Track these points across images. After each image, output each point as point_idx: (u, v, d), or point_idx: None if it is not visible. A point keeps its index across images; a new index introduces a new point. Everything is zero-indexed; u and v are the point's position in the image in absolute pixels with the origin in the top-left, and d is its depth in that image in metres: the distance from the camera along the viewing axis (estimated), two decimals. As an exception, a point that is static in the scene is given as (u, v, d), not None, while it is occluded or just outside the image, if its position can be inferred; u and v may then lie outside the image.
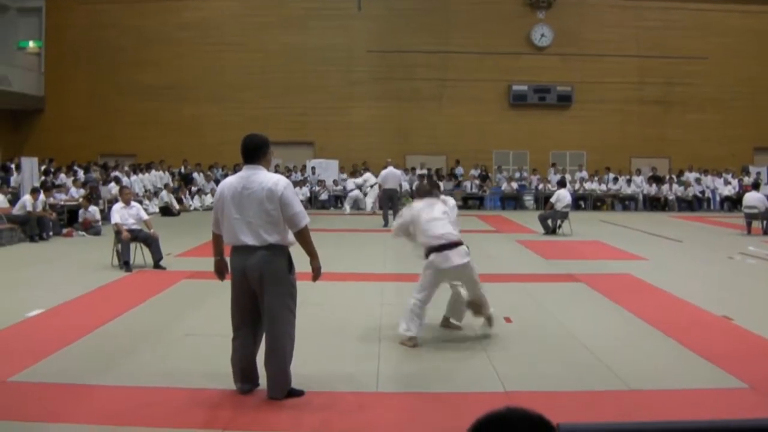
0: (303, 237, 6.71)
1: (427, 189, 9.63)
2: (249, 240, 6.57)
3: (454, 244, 8.72)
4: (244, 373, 6.85)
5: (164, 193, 28.55)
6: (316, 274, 6.92)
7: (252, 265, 6.57)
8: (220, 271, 7.06)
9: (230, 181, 6.88)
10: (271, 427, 6.16)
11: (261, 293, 6.61)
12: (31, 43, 35.53)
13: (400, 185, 26.01)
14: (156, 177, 30.61)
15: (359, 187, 30.97)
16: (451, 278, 9.01)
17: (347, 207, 30.52)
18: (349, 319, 10.07)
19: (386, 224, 23.19)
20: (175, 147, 33.44)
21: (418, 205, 9.15)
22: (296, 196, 6.78)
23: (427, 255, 8.75)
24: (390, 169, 24.48)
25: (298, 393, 6.77)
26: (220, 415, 6.31)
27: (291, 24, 34.90)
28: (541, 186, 33.23)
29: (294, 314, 6.78)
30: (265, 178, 6.63)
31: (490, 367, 7.77)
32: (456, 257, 8.67)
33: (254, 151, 6.77)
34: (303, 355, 8.24)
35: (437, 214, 8.91)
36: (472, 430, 1.85)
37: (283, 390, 6.69)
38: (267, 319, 6.67)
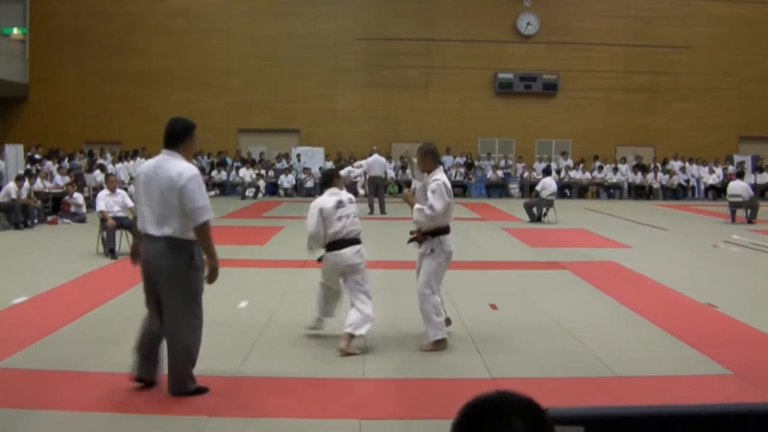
0: (201, 234, 6.26)
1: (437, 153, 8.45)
2: (151, 229, 6.29)
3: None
4: (143, 359, 6.50)
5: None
6: (211, 274, 6.38)
7: (151, 256, 6.31)
8: (133, 255, 6.77)
9: (146, 165, 6.68)
10: (259, 413, 6.16)
11: (159, 288, 6.33)
12: (15, 30, 35.24)
13: (386, 172, 26.02)
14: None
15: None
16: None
17: None
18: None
19: (371, 212, 23.19)
20: (161, 134, 33.06)
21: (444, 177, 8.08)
22: (201, 189, 6.36)
23: (432, 236, 7.99)
24: (375, 156, 24.48)
25: (202, 390, 6.44)
26: (207, 402, 6.32)
27: (278, 11, 34.72)
28: (526, 174, 33.28)
29: (193, 313, 6.39)
30: (173, 166, 6.33)
31: (476, 354, 7.79)
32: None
33: (173, 137, 6.55)
34: (291, 341, 8.29)
35: None
36: (462, 413, 1.86)
37: (181, 386, 6.36)
38: (165, 316, 6.36)
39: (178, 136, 6.54)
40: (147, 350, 6.48)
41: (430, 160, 8.16)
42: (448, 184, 7.99)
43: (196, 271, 6.33)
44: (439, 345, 7.93)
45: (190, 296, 6.33)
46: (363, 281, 8.09)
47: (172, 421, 5.98)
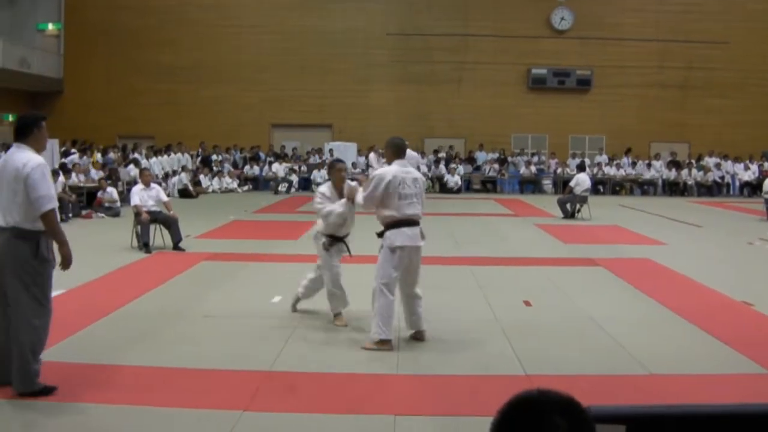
0: (46, 223, 6.25)
1: (403, 145, 8.44)
2: (0, 220, 6.32)
3: (414, 222, 7.97)
4: None
5: (183, 175, 28.61)
6: (64, 261, 6.40)
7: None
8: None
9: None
10: (293, 408, 6.16)
11: (4, 280, 6.27)
12: (50, 25, 35.57)
13: (418, 167, 25.92)
14: (174, 159, 30.66)
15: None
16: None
17: None
18: (367, 302, 10.06)
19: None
20: (194, 128, 33.42)
21: (392, 170, 7.98)
22: (45, 179, 6.29)
23: (384, 231, 7.94)
24: (408, 151, 24.40)
25: (48, 390, 6.31)
26: (240, 396, 6.34)
27: (309, 5, 34.82)
28: (559, 170, 33.13)
29: (40, 303, 6.33)
30: (19, 157, 6.31)
31: (510, 351, 7.76)
32: (415, 237, 7.91)
33: (20, 130, 6.48)
34: (325, 336, 8.30)
35: (410, 190, 7.93)
36: (503, 412, 1.85)
37: (25, 385, 6.24)
38: (9, 309, 6.29)
39: (25, 129, 6.46)
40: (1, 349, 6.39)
41: (390, 152, 8.25)
42: (389, 177, 7.84)
43: (42, 262, 6.31)
44: (381, 345, 7.74)
45: (34, 289, 6.29)
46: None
47: (205, 414, 6.00)
